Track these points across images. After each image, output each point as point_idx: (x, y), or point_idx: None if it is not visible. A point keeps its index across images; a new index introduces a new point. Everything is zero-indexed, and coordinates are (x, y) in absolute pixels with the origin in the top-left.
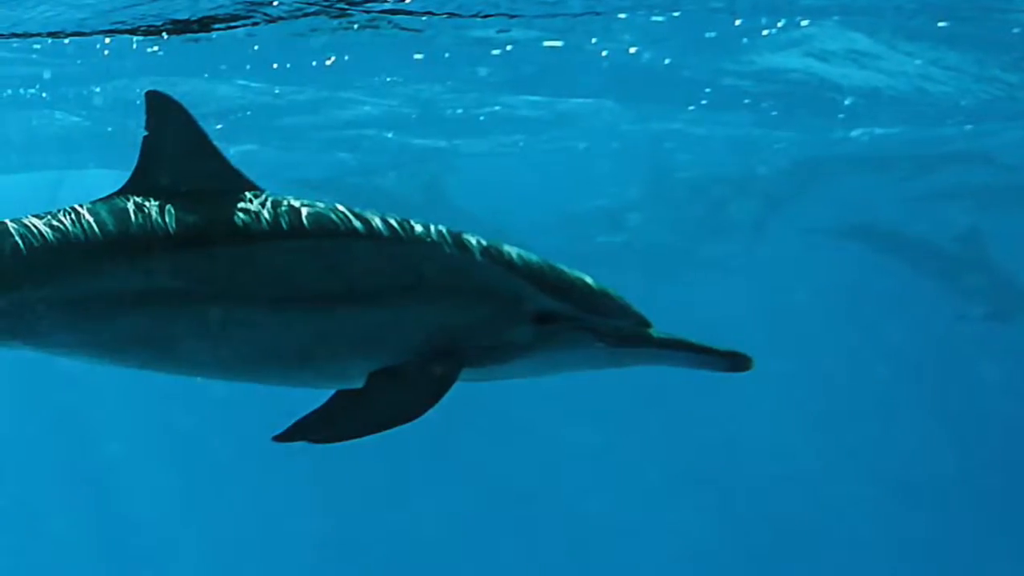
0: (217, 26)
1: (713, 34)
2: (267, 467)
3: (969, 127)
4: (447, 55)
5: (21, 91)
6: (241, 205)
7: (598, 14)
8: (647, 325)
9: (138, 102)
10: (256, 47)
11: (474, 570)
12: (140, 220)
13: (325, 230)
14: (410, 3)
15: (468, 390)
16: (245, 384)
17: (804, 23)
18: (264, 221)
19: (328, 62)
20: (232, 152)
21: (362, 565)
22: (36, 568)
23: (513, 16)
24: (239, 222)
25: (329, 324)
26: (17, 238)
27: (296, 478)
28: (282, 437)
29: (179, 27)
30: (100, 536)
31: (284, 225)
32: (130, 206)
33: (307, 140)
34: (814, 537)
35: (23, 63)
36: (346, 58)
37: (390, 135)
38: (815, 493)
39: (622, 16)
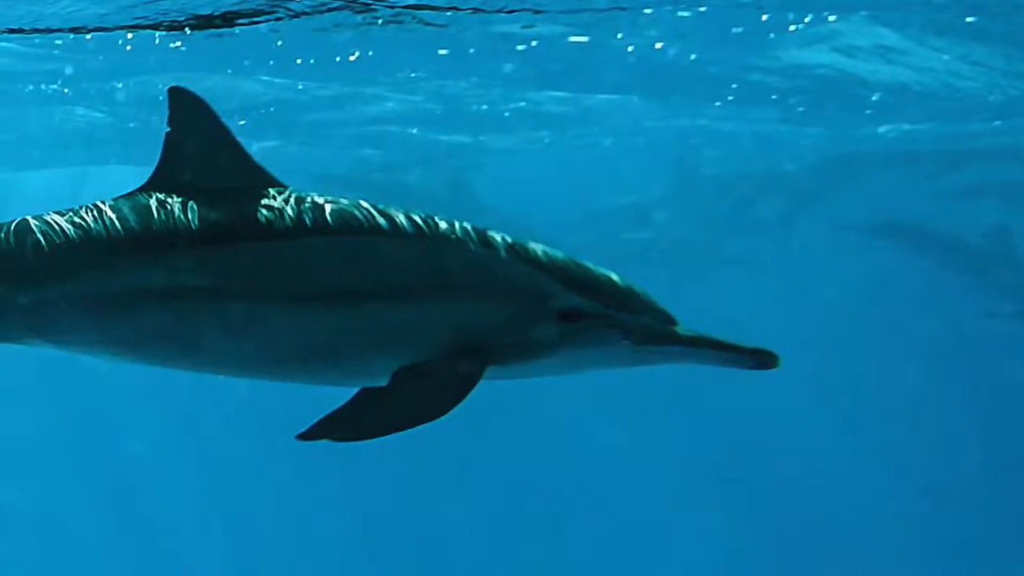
0: (240, 21)
1: (740, 29)
2: (291, 466)
3: (998, 123)
4: (472, 51)
5: (43, 87)
6: (264, 201)
7: (624, 9)
8: (673, 322)
9: (161, 98)
10: (280, 42)
11: (501, 570)
12: (163, 217)
13: (349, 227)
14: None
15: (493, 388)
16: (268, 382)
17: (831, 18)
18: (288, 218)
19: (352, 57)
20: (255, 148)
21: (387, 566)
22: (60, 567)
23: (538, 11)
24: (262, 219)
25: (353, 321)
26: (39, 235)
27: (320, 477)
28: (306, 436)
29: (202, 22)
30: (123, 536)
31: (308, 222)
32: (153, 203)
33: (331, 136)
34: (842, 537)
35: (45, 59)
36: (370, 53)
37: (415, 131)
38: (843, 492)
39: (648, 11)
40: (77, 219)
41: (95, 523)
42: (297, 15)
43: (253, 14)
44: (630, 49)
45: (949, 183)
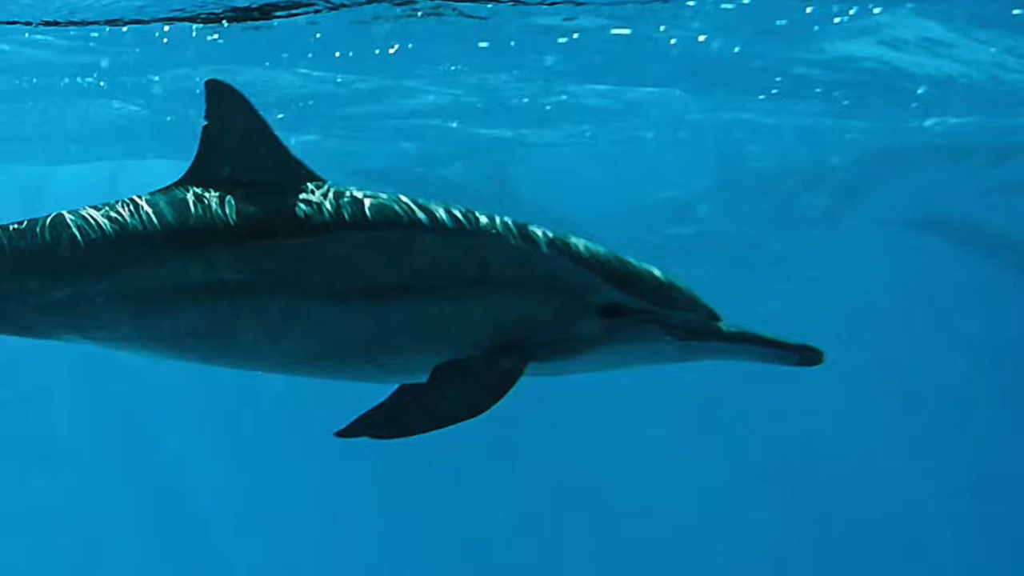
0: (278, 13)
1: (784, 22)
2: (329, 464)
3: None
4: (512, 43)
5: (79, 80)
6: (303, 196)
7: (666, 1)
8: (716, 318)
9: (198, 91)
10: (318, 35)
11: (542, 570)
12: (200, 211)
13: (388, 221)
14: None
15: (534, 385)
16: (306, 378)
17: (877, 11)
18: (326, 212)
19: (391, 50)
20: (294, 142)
21: (427, 565)
22: (96, 563)
23: (580, 3)
24: (301, 213)
25: (393, 317)
26: (75, 230)
27: (359, 475)
28: (345, 433)
29: (239, 14)
30: (160, 532)
31: (347, 216)
32: (190, 197)
33: (370, 130)
34: (889, 536)
35: (81, 51)
36: (410, 46)
37: (455, 124)
38: (889, 491)
39: (691, 3)
40: (113, 214)
41: (132, 519)
42: (336, 7)
43: (291, 6)
44: (673, 42)
45: (996, 177)
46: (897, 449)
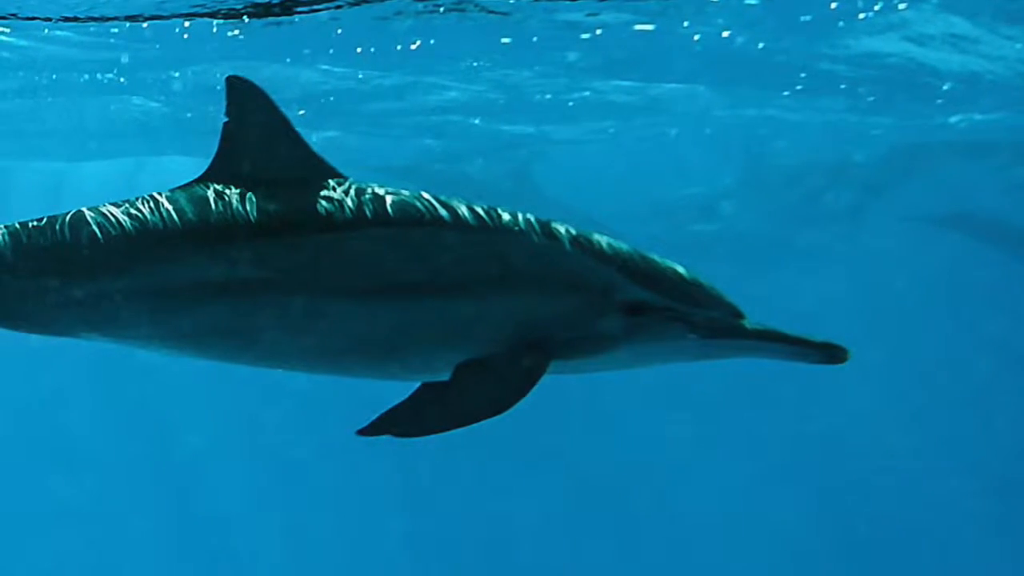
0: (299, 9)
1: (808, 17)
2: (351, 462)
3: None
4: (535, 39)
5: (99, 76)
6: (324, 193)
7: None
8: (741, 316)
9: (218, 87)
10: (339, 31)
11: (566, 568)
12: (221, 208)
13: (410, 218)
14: None
15: (557, 383)
16: (327, 376)
17: (902, 6)
18: (348, 209)
19: (413, 46)
20: (315, 139)
21: (449, 565)
22: (116, 563)
23: None
24: (322, 210)
25: (415, 315)
26: (95, 227)
27: (381, 474)
28: (367, 431)
29: (260, 10)
30: (180, 532)
31: (368, 213)
32: (210, 194)
33: (392, 126)
34: (912, 534)
35: (100, 47)
36: (432, 42)
37: (477, 121)
38: (913, 489)
39: None
40: (133, 211)
41: (151, 519)
42: (357, 3)
43: (312, 1)
44: (697, 37)
45: (1021, 174)
46: (921, 447)
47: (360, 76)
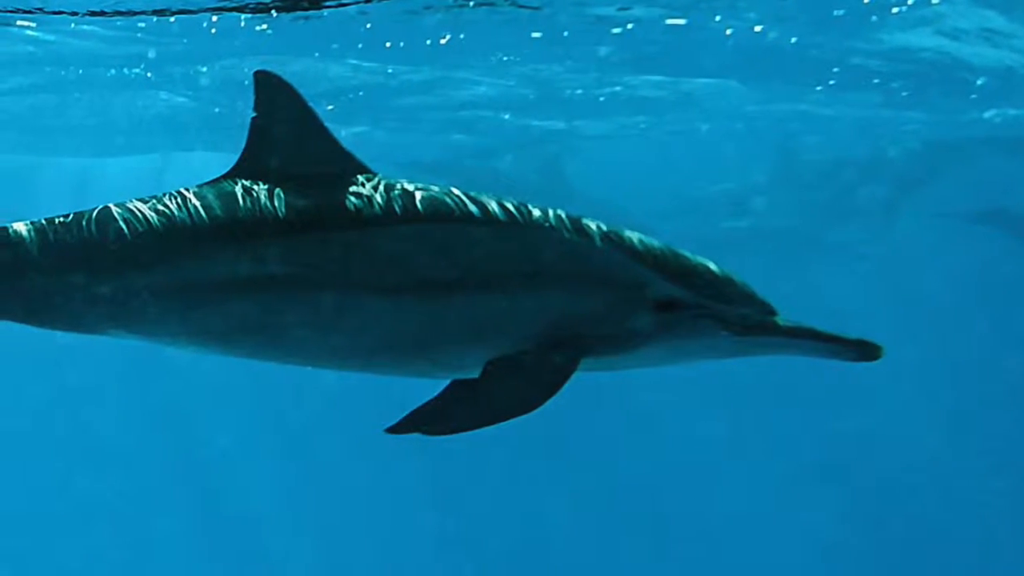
0: (328, 3)
1: (841, 12)
2: (380, 460)
3: None
4: (566, 34)
5: (125, 71)
6: (353, 189)
7: None
8: (773, 313)
9: (246, 82)
10: (368, 25)
11: (599, 567)
12: (248, 204)
13: (440, 215)
14: None
15: (588, 380)
16: (357, 374)
17: (935, 1)
18: (377, 205)
19: (443, 41)
20: (344, 134)
21: (480, 564)
22: (145, 562)
23: None
24: (351, 206)
25: (444, 312)
26: (121, 223)
27: (410, 472)
28: (396, 429)
29: (288, 4)
30: (208, 531)
31: (398, 209)
32: (238, 190)
33: (421, 121)
34: (945, 534)
35: (128, 42)
36: (461, 36)
37: (507, 116)
38: (946, 488)
39: None
40: (160, 207)
41: (179, 518)
42: None
43: None
44: (728, 32)
45: None
46: (954, 446)
47: (389, 71)
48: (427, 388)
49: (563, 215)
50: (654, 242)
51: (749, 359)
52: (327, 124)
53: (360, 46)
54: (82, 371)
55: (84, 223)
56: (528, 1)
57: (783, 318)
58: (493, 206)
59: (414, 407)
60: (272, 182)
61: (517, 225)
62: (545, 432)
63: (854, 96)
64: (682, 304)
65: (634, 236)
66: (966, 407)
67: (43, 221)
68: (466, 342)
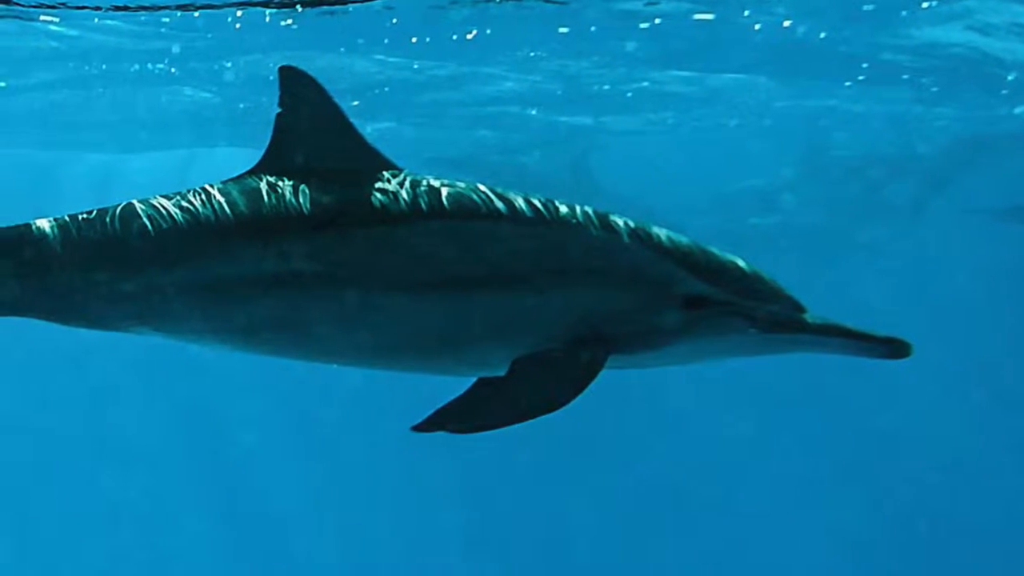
0: None
1: (871, 7)
2: (405, 459)
3: None
4: (593, 29)
5: (149, 66)
6: (379, 185)
7: None
8: (802, 310)
9: (271, 78)
10: (394, 20)
11: (624, 566)
12: (273, 201)
13: (466, 211)
14: None
15: (615, 378)
16: (382, 371)
17: None
18: (402, 202)
19: (469, 36)
20: (369, 130)
21: (507, 564)
22: (170, 561)
23: None
24: (376, 203)
25: (471, 309)
26: (145, 219)
27: (436, 471)
28: (422, 427)
29: None
30: (234, 530)
31: (423, 206)
32: (263, 186)
33: (447, 117)
34: (974, 534)
35: (151, 37)
36: (488, 32)
37: (534, 112)
38: (975, 489)
39: None
40: (184, 203)
41: (204, 517)
42: None
43: None
44: (757, 27)
45: None
46: (984, 445)
47: (415, 66)
48: (453, 386)
49: (590, 211)
50: (682, 239)
51: (777, 356)
52: (352, 120)
53: (386, 41)
54: (105, 369)
55: (108, 220)
56: None
57: (811, 315)
58: (520, 203)
59: (440, 405)
60: (297, 178)
61: (544, 222)
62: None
63: (883, 92)
64: (710, 301)
65: (662, 233)
66: (995, 405)
67: (66, 218)
68: (492, 340)
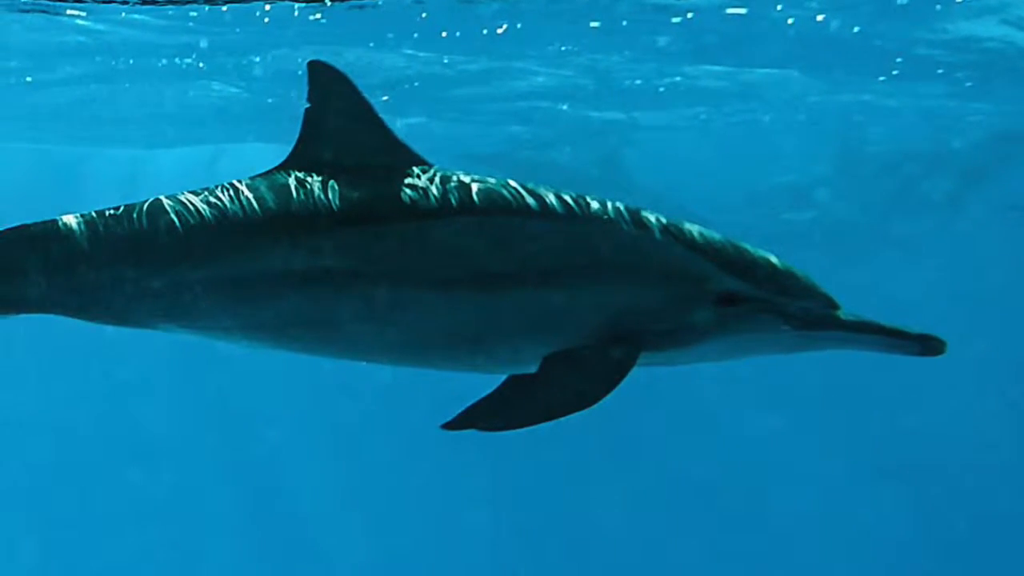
0: None
1: (905, 1)
2: (435, 457)
3: None
4: (625, 23)
5: (177, 61)
6: (408, 181)
7: None
8: (835, 307)
9: (300, 72)
10: (424, 14)
11: (654, 565)
12: (302, 197)
13: (497, 207)
14: None
15: (647, 376)
16: (412, 369)
17: None
18: (432, 198)
19: (500, 30)
20: (399, 125)
21: (537, 563)
22: (196, 559)
23: None
24: (406, 199)
25: (501, 306)
26: (173, 215)
27: (466, 469)
28: (452, 425)
29: None
30: (260, 527)
31: (454, 202)
32: (291, 182)
33: (478, 112)
34: (1012, 534)
35: (179, 31)
36: (519, 26)
37: (565, 107)
38: (1012, 487)
39: None
40: (212, 199)
41: (230, 515)
42: None
43: None
44: (790, 21)
45: None
46: (1020, 444)
47: (445, 61)
48: (483, 383)
49: (622, 207)
50: (715, 235)
51: (811, 354)
52: (382, 115)
53: (416, 35)
54: (131, 366)
55: (135, 216)
56: None
57: (845, 312)
58: (551, 198)
59: (470, 403)
60: (326, 174)
61: (575, 218)
62: (603, 428)
63: (918, 86)
64: (743, 298)
65: (694, 229)
66: None
67: (93, 214)
68: (523, 337)
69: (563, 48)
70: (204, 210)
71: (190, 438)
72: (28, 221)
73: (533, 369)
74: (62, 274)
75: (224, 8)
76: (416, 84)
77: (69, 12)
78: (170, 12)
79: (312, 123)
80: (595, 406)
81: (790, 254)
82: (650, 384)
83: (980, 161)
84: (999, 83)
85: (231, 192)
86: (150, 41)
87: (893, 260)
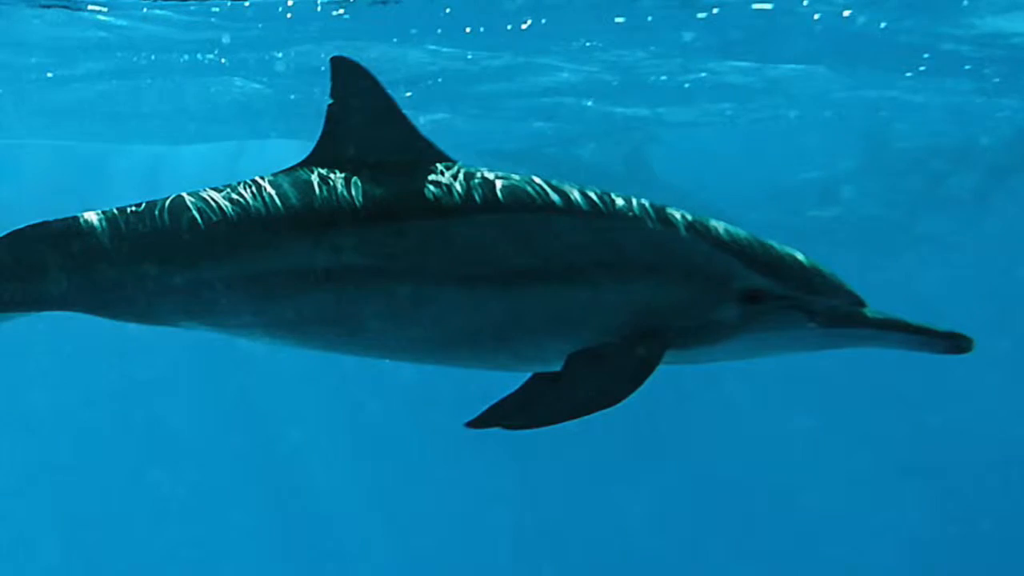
0: None
1: None
2: (459, 456)
3: None
4: (650, 19)
5: (199, 57)
6: (432, 177)
7: None
8: (862, 304)
9: (323, 68)
10: (448, 10)
11: (681, 564)
12: (325, 193)
13: (521, 204)
14: None
15: (672, 373)
16: (435, 367)
17: None
18: (456, 194)
19: (524, 26)
20: (422, 121)
21: (562, 563)
22: (218, 558)
23: None
24: (430, 195)
25: (525, 303)
26: (195, 212)
27: (491, 467)
28: (476, 423)
29: None
30: (282, 527)
31: (477, 199)
32: (314, 178)
33: (502, 108)
34: None
35: (201, 27)
36: (543, 21)
37: (589, 103)
38: None
39: None
40: (235, 195)
41: (252, 514)
42: None
43: None
44: (816, 17)
45: None
46: None
47: (469, 57)
48: (508, 381)
49: (647, 204)
50: (740, 232)
51: (838, 351)
52: (405, 111)
53: (439, 31)
54: (153, 364)
55: (157, 212)
56: None
57: (872, 309)
58: (575, 195)
59: (495, 401)
60: (349, 170)
61: (600, 215)
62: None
63: (945, 82)
64: (769, 295)
65: (720, 226)
66: None
67: (115, 210)
68: (548, 334)
69: (587, 44)
70: (226, 207)
71: (212, 437)
72: (49, 218)
73: (557, 367)
74: (83, 271)
75: (246, 3)
76: (440, 80)
77: (90, 7)
78: (192, 7)
79: (335, 119)
80: (620, 404)
81: (816, 251)
82: (675, 382)
83: (1008, 158)
84: None
85: (253, 188)
86: (172, 37)
87: (920, 257)
